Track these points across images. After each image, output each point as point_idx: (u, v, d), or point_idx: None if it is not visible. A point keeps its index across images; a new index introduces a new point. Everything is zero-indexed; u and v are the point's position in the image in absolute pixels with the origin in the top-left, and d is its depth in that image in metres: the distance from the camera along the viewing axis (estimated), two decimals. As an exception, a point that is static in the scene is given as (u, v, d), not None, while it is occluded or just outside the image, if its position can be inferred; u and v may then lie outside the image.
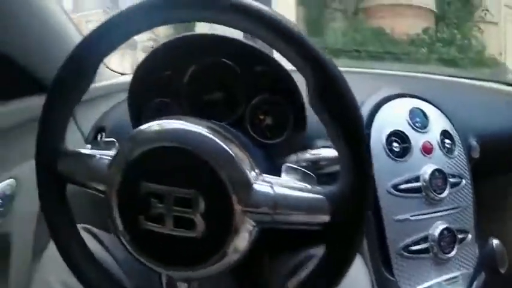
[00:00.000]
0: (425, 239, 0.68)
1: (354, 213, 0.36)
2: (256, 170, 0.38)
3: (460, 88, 0.99)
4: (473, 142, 0.77)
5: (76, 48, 0.41)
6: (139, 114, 0.72)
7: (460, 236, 0.70)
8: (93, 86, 0.44)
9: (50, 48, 0.75)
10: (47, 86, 0.67)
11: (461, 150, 0.76)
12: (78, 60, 0.42)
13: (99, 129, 0.81)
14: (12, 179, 0.68)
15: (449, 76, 1.05)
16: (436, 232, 0.67)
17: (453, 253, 0.68)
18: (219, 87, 0.75)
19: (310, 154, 0.61)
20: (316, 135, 0.72)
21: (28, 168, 0.68)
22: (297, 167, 0.41)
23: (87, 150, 0.46)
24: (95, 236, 0.62)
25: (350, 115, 0.35)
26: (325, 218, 0.36)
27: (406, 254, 0.66)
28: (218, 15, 0.37)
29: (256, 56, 0.71)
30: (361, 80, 0.91)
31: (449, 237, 0.68)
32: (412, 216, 0.67)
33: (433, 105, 0.78)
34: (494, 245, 0.65)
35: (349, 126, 0.35)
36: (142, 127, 0.40)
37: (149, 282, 0.59)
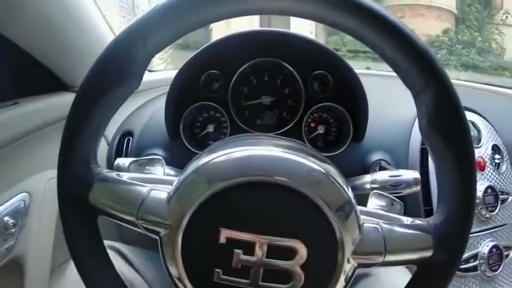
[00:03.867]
0: (475, 257, 0.67)
1: (457, 247, 0.33)
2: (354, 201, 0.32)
3: (501, 97, 0.95)
4: None
5: (114, 43, 0.31)
6: (177, 118, 0.64)
7: (505, 253, 0.69)
8: None
9: (69, 42, 0.65)
10: (65, 85, 0.54)
11: (509, 165, 0.73)
12: (116, 58, 0.31)
13: (125, 134, 0.71)
14: (25, 193, 0.57)
15: (488, 84, 1.00)
16: (486, 250, 0.67)
17: (499, 270, 0.68)
18: (271, 91, 0.66)
19: (390, 176, 0.54)
20: (370, 146, 0.65)
21: (43, 180, 0.58)
22: (385, 194, 0.39)
23: (129, 174, 0.35)
24: (122, 255, 0.56)
25: (465, 139, 0.32)
26: (427, 254, 0.33)
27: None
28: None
29: (317, 57, 0.62)
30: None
31: (497, 255, 0.68)
32: None
33: (483, 117, 0.74)
34: None
35: (464, 150, 0.32)
36: (208, 155, 0.30)
37: None
